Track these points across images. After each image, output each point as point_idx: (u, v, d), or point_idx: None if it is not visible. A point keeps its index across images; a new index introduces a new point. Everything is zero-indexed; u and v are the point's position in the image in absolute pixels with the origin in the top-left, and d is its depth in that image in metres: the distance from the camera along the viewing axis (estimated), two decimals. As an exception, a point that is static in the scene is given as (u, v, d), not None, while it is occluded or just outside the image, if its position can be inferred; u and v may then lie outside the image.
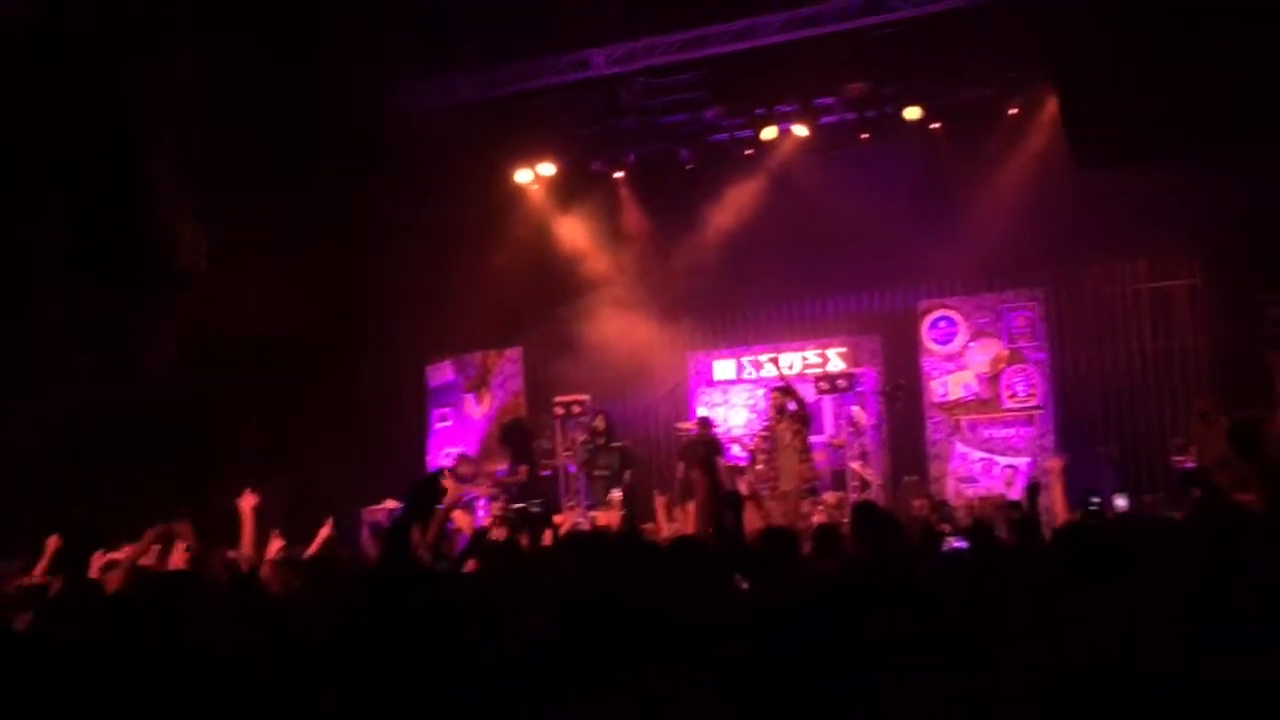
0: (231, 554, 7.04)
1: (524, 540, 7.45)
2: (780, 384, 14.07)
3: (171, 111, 11.52)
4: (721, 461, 13.73)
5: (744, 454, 14.64)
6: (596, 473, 14.33)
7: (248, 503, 7.33)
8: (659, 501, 10.08)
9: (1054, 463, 8.09)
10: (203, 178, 12.00)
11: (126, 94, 11.05)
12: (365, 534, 13.84)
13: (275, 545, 7.49)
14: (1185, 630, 3.26)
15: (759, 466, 13.98)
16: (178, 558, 6.78)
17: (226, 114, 12.40)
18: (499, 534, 8.59)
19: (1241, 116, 11.43)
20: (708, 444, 13.91)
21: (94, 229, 11.21)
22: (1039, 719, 2.80)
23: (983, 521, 8.22)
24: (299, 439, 14.16)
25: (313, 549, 7.59)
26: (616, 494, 13.61)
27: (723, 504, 8.96)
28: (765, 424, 14.29)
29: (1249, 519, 4.67)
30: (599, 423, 14.51)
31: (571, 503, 14.99)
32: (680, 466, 14.11)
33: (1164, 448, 14.09)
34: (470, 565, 6.27)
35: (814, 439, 14.73)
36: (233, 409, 14.59)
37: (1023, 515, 7.52)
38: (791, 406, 13.53)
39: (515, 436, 15.63)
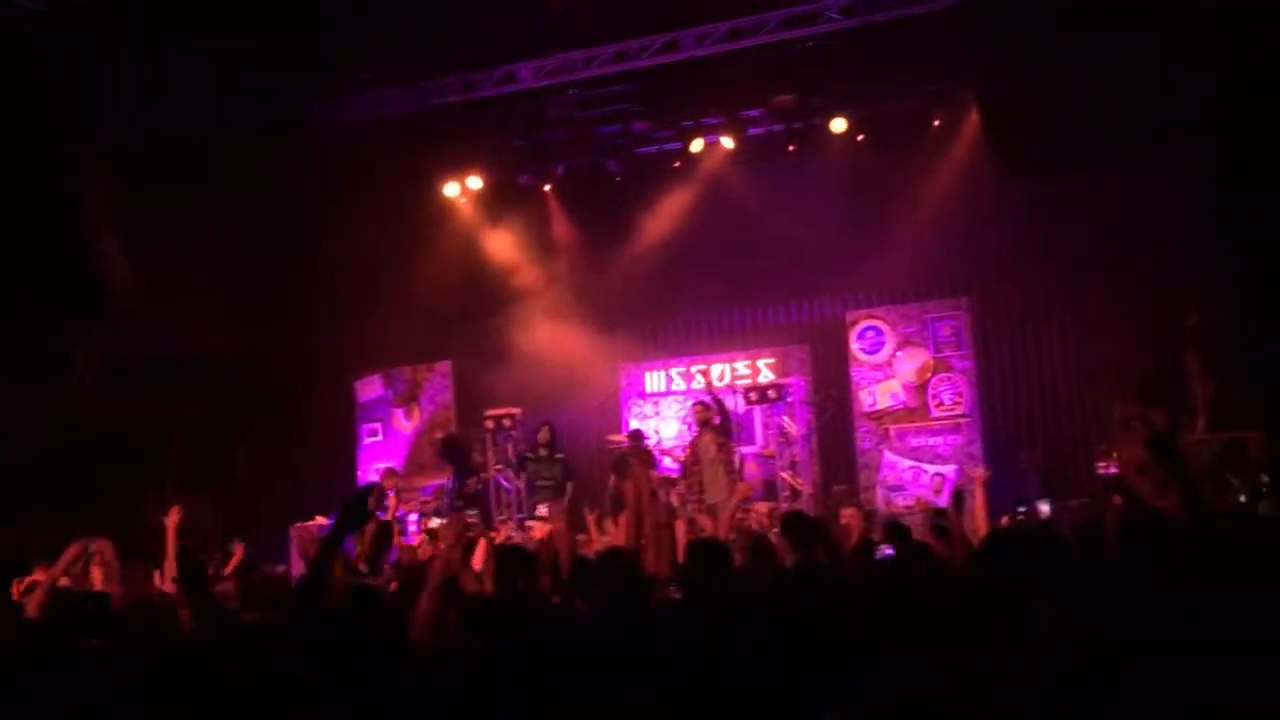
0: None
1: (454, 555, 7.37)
2: (703, 397, 14.13)
3: (98, 137, 11.35)
4: (653, 474, 13.75)
5: (675, 466, 14.68)
6: (539, 483, 14.28)
7: (172, 520, 7.25)
8: (589, 516, 10.08)
9: (979, 473, 8.20)
10: (129, 200, 11.83)
11: (53, 121, 10.87)
12: (294, 550, 13.75)
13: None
14: (1109, 634, 3.31)
15: (689, 479, 14.05)
16: (97, 576, 6.68)
17: (152, 136, 12.24)
18: (426, 550, 8.53)
19: (1160, 125, 11.66)
20: (639, 456, 13.94)
21: (22, 253, 11.01)
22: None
23: (898, 523, 8.27)
24: (228, 457, 14.03)
25: (229, 569, 7.51)
26: (542, 509, 13.55)
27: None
28: (691, 437, 14.37)
29: (1167, 526, 4.75)
30: (544, 434, 14.47)
31: (503, 516, 14.93)
32: (611, 479, 14.10)
33: (1088, 454, 14.30)
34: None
35: (745, 450, 14.82)
36: (160, 429, 14.42)
37: (948, 522, 7.59)
38: (715, 420, 13.61)
39: (456, 450, 15.50)
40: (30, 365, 12.83)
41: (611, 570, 5.81)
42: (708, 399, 14.00)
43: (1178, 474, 4.69)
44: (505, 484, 15.36)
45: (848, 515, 11.09)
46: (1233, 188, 11.72)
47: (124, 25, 11.73)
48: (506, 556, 6.29)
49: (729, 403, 15.07)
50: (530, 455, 14.53)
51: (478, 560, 6.72)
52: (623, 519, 9.53)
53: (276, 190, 14.10)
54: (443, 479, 15.78)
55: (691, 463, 13.71)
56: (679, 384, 16.34)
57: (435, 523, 13.61)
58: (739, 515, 12.61)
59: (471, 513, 14.00)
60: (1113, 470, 12.28)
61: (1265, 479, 9.93)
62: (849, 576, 5.57)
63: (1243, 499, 9.79)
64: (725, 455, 13.48)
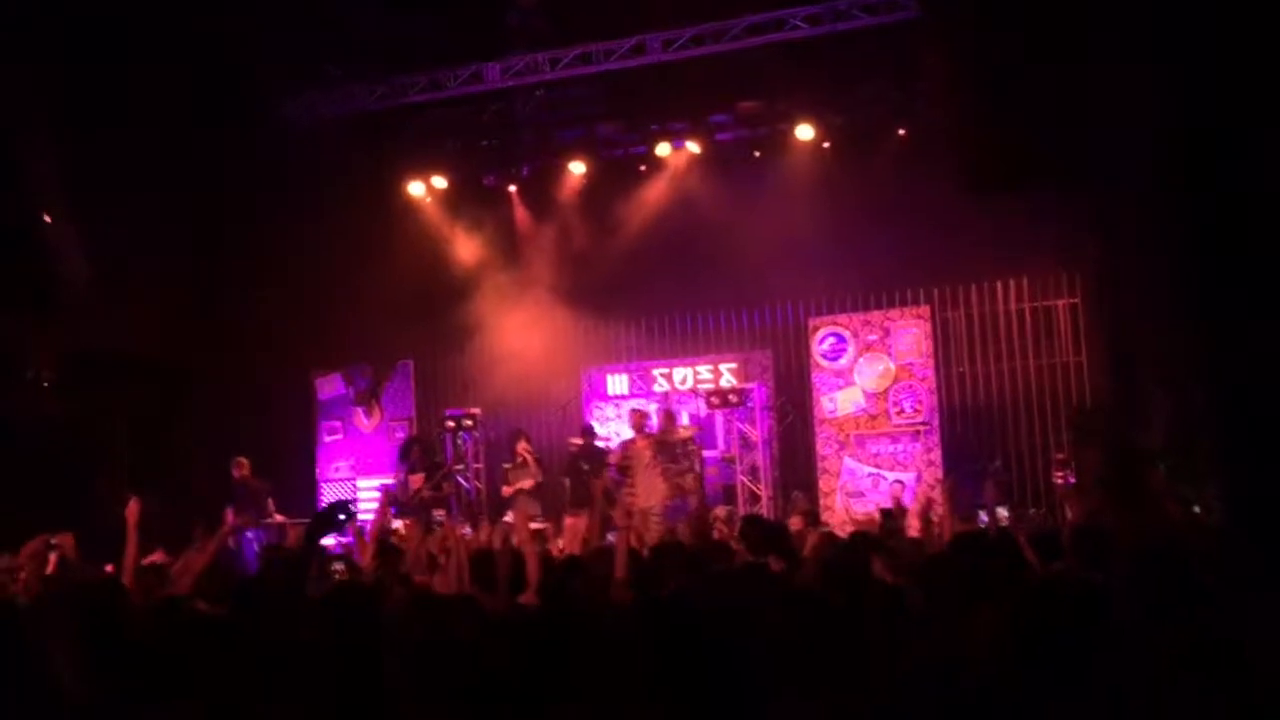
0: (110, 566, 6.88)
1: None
2: (641, 405, 14.26)
3: (51, 125, 11.20)
4: (607, 475, 13.78)
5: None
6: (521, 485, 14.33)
7: (131, 512, 7.18)
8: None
9: (941, 486, 8.23)
10: (84, 192, 11.70)
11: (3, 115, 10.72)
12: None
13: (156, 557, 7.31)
14: (1057, 644, 3.31)
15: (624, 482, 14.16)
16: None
17: (108, 127, 12.11)
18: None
19: (1120, 140, 11.70)
20: (593, 459, 13.92)
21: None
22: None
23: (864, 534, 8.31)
24: (184, 453, 13.93)
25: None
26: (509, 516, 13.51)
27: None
28: (623, 442, 14.47)
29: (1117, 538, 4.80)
30: (522, 446, 14.49)
31: (459, 517, 14.88)
32: (566, 482, 14.12)
33: (1047, 463, 14.41)
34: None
35: (706, 453, 14.83)
36: (114, 424, 14.31)
37: (895, 523, 7.66)
38: (650, 427, 13.75)
39: (424, 451, 15.41)
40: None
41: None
42: (644, 408, 14.14)
43: (1131, 494, 4.74)
44: (465, 484, 15.31)
45: (794, 522, 11.13)
46: (1199, 206, 11.78)
47: (77, 13, 11.58)
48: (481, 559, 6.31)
49: (691, 406, 15.14)
50: (508, 465, 14.55)
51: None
52: (583, 521, 9.52)
53: (240, 184, 14.00)
54: (396, 478, 15.74)
55: (624, 466, 13.79)
56: (641, 387, 16.35)
57: (398, 524, 13.52)
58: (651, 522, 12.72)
59: (439, 513, 13.99)
60: (1070, 480, 12.37)
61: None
62: (808, 578, 5.57)
63: (1196, 510, 9.85)
64: (662, 462, 13.59)
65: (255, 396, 15.33)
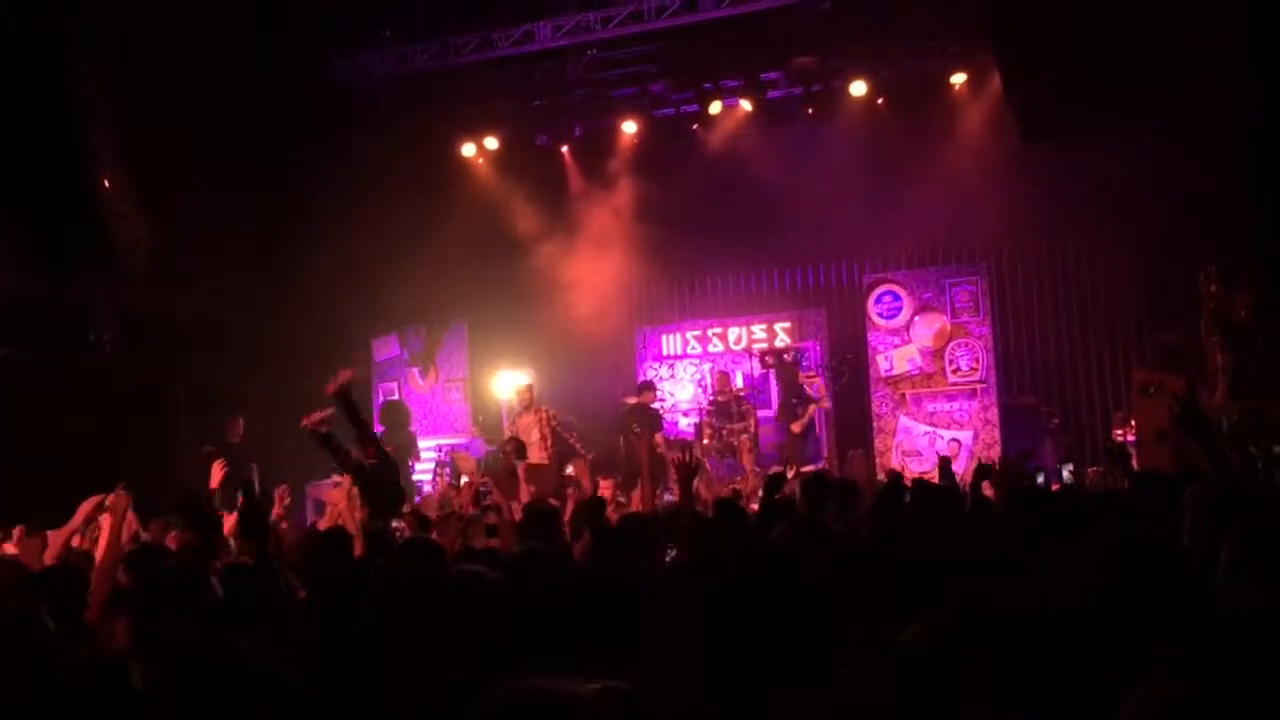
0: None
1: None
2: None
3: (111, 93, 11.28)
4: (660, 436, 13.75)
5: (689, 428, 14.68)
6: None
7: (217, 472, 7.38)
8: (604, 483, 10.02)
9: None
10: (142, 159, 11.78)
11: (66, 79, 10.79)
12: (310, 509, 13.78)
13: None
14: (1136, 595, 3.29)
15: (705, 441, 14.12)
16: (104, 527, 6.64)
17: (165, 92, 12.17)
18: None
19: (1180, 91, 11.53)
20: (642, 418, 13.88)
21: (37, 213, 10.98)
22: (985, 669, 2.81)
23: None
24: (242, 416, 14.06)
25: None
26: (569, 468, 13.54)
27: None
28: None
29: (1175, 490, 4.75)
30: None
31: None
32: (620, 440, 14.07)
33: (1105, 421, 14.28)
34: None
35: (761, 413, 14.82)
36: (175, 388, 14.47)
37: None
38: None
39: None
40: (49, 324, 12.88)
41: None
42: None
43: (1206, 442, 4.67)
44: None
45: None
46: (1261, 151, 11.60)
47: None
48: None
49: (745, 367, 15.12)
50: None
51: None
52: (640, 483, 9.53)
53: (293, 146, 14.06)
54: (464, 439, 15.84)
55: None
56: (695, 347, 16.34)
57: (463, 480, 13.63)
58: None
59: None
60: (1130, 437, 12.24)
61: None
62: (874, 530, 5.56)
63: (1259, 465, 9.74)
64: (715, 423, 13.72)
65: (312, 358, 15.42)
